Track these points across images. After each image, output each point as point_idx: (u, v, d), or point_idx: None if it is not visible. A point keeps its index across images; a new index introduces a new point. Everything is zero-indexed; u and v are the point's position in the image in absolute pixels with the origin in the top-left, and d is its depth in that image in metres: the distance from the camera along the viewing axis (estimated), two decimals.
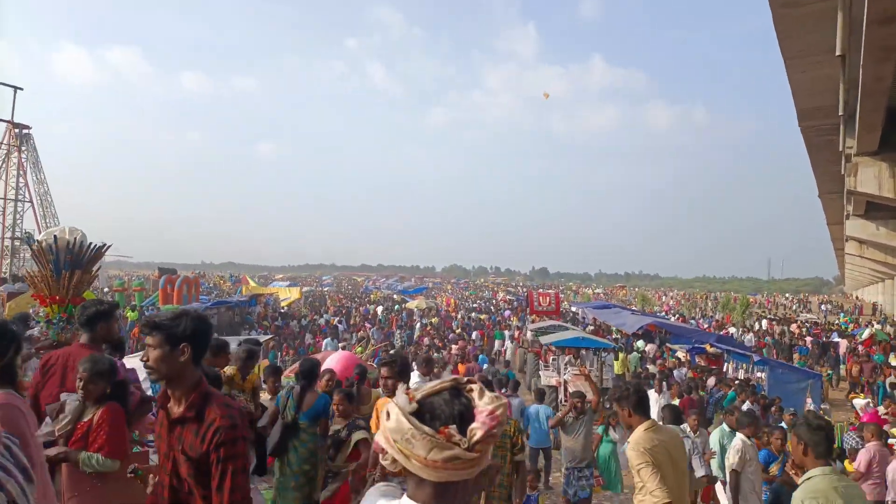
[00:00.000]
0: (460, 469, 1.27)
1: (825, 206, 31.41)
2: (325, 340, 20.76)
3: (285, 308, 33.00)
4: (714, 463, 7.40)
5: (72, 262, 7.31)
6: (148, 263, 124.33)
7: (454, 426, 1.27)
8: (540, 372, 15.92)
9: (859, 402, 14.56)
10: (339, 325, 27.74)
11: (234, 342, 11.16)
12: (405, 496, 1.34)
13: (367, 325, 27.47)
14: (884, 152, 15.61)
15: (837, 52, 8.55)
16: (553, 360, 16.51)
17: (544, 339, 16.46)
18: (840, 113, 13.77)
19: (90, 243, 7.54)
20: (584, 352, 16.38)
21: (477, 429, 1.28)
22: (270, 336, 17.99)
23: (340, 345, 20.11)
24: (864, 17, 8.56)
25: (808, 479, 3.21)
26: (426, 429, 1.25)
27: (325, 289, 66.82)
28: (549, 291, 34.86)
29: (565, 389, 14.06)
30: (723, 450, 7.08)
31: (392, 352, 18.02)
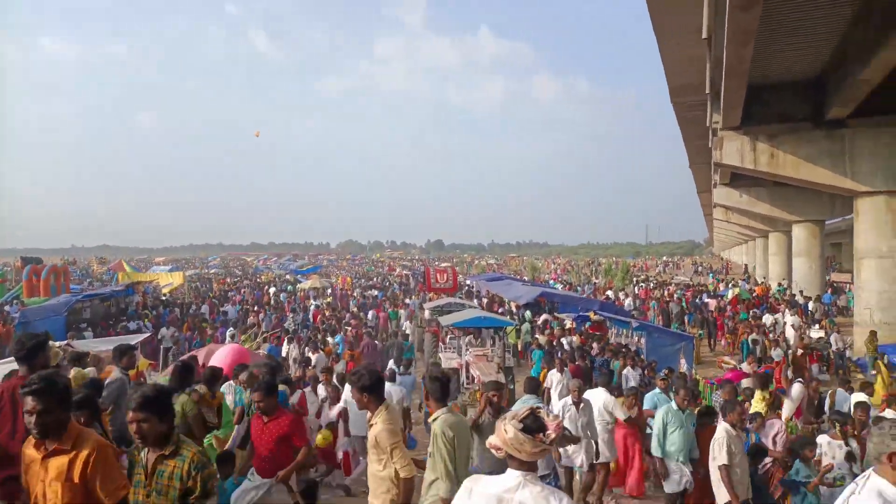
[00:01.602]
0: (544, 453, 2.51)
1: (695, 175, 33.71)
2: (228, 330, 19.57)
3: (167, 295, 31.03)
4: (654, 441, 6.71)
5: None
6: (11, 250, 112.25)
7: (540, 433, 2.44)
8: (440, 353, 15.56)
9: (728, 359, 15.79)
10: (229, 311, 26.45)
11: (102, 345, 10.30)
12: (509, 469, 2.50)
13: (259, 308, 26.32)
14: (746, 126, 16.82)
15: (704, 35, 8.96)
16: (451, 339, 16.20)
17: (444, 320, 15.90)
18: (707, 91, 14.63)
19: None
20: (483, 330, 16.36)
21: (551, 433, 2.45)
22: (149, 334, 16.57)
23: (229, 333, 19.04)
24: (728, 2, 9.01)
25: (436, 418, 4.32)
26: (529, 437, 2.42)
27: (212, 271, 63.72)
28: (445, 266, 34.97)
29: (467, 371, 13.69)
30: (665, 428, 6.61)
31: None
